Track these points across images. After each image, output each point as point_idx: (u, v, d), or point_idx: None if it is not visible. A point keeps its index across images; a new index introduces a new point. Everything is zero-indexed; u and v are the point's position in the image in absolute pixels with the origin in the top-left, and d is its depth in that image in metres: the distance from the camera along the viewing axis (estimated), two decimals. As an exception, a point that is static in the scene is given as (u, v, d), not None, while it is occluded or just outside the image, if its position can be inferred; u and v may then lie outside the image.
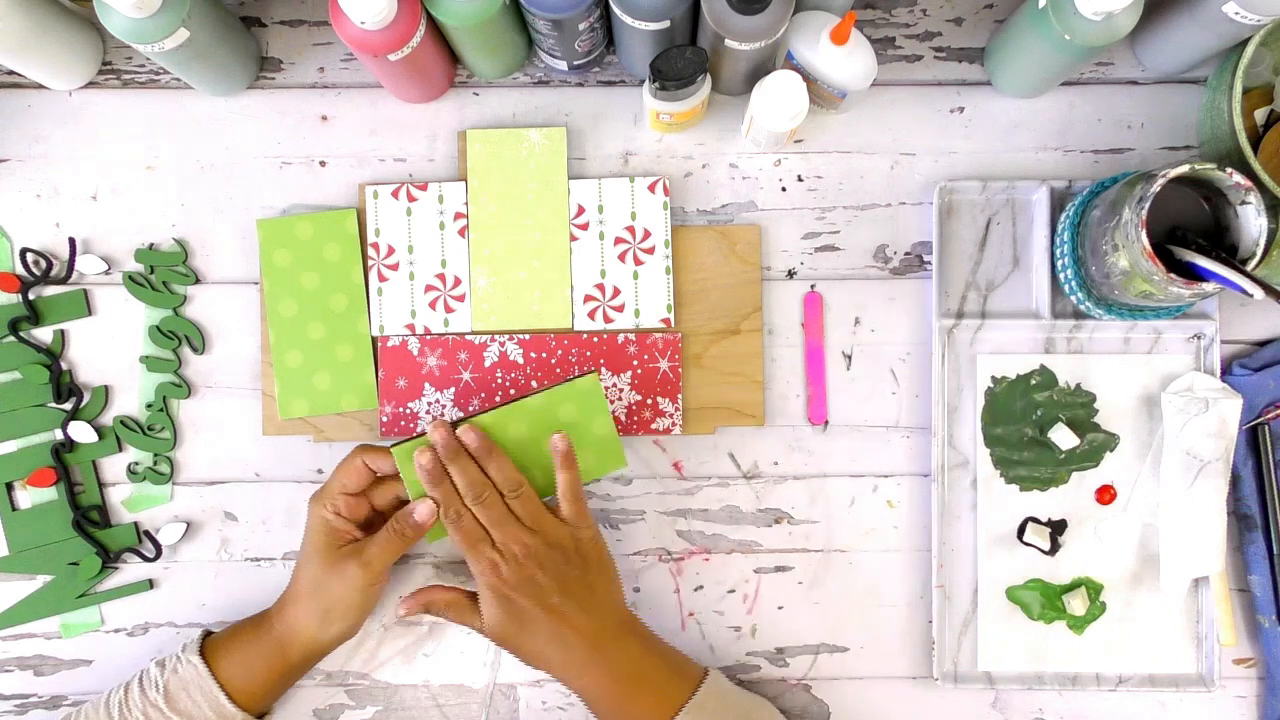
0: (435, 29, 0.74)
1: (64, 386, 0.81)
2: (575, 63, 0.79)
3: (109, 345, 0.82)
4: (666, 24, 0.71)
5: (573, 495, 0.73)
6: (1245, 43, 0.74)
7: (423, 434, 0.73)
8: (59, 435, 0.81)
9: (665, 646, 0.74)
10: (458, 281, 0.81)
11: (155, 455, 0.81)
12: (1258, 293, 0.68)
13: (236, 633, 0.75)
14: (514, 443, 0.73)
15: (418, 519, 0.72)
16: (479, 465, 0.72)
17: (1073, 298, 0.80)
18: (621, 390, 0.81)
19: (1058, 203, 0.81)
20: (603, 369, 0.80)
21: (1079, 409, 0.81)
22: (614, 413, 0.80)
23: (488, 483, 0.71)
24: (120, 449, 0.81)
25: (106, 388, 0.81)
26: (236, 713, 0.72)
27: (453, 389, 0.81)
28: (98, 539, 0.81)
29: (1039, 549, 0.80)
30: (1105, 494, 0.81)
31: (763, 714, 0.74)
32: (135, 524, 0.81)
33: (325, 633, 0.73)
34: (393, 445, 0.73)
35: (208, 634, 0.76)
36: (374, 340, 0.81)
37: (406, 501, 0.74)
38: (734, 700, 0.73)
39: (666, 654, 0.74)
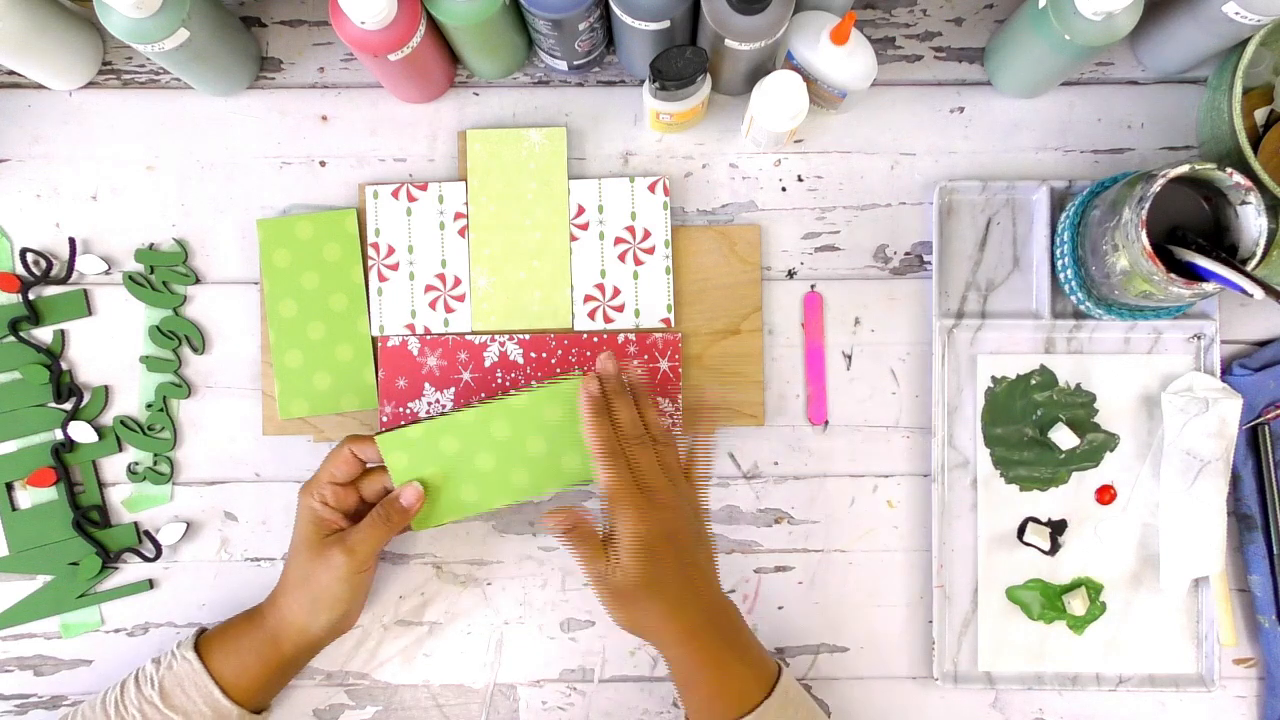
0: (435, 29, 0.74)
1: (64, 386, 0.81)
2: (575, 63, 0.79)
3: (109, 345, 0.82)
4: (666, 24, 0.71)
5: (705, 457, 0.71)
6: (1245, 43, 0.74)
7: (406, 424, 0.73)
8: (59, 435, 0.81)
9: (752, 633, 0.72)
10: (458, 281, 0.81)
11: (155, 455, 0.81)
12: (1258, 293, 0.68)
13: (230, 628, 0.75)
14: (497, 441, 0.73)
15: (404, 503, 0.73)
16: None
17: (1073, 298, 0.80)
18: (621, 390, 0.81)
19: (1058, 203, 0.81)
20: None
21: (1079, 409, 0.81)
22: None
23: (645, 428, 0.70)
24: (120, 449, 0.81)
25: (106, 388, 0.81)
26: (232, 708, 0.72)
27: (453, 389, 0.81)
28: (98, 539, 0.81)
29: (1039, 549, 0.80)
30: (1105, 494, 0.81)
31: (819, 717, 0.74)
32: (135, 524, 0.81)
33: (315, 623, 0.73)
34: (378, 434, 0.73)
35: (202, 630, 0.76)
36: (374, 340, 0.81)
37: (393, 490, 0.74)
38: (803, 698, 0.72)
39: (754, 640, 0.72)
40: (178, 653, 0.73)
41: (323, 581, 0.72)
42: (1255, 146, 0.78)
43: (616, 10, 0.71)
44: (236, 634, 0.74)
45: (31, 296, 0.81)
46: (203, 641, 0.74)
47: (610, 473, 0.68)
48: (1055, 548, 0.80)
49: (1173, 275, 0.69)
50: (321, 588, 0.72)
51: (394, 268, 0.81)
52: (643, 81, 0.78)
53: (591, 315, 0.81)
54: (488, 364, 0.81)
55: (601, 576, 0.68)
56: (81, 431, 0.80)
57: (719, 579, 0.71)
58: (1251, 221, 0.71)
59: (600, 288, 0.81)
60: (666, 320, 0.81)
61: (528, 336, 0.81)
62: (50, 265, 0.81)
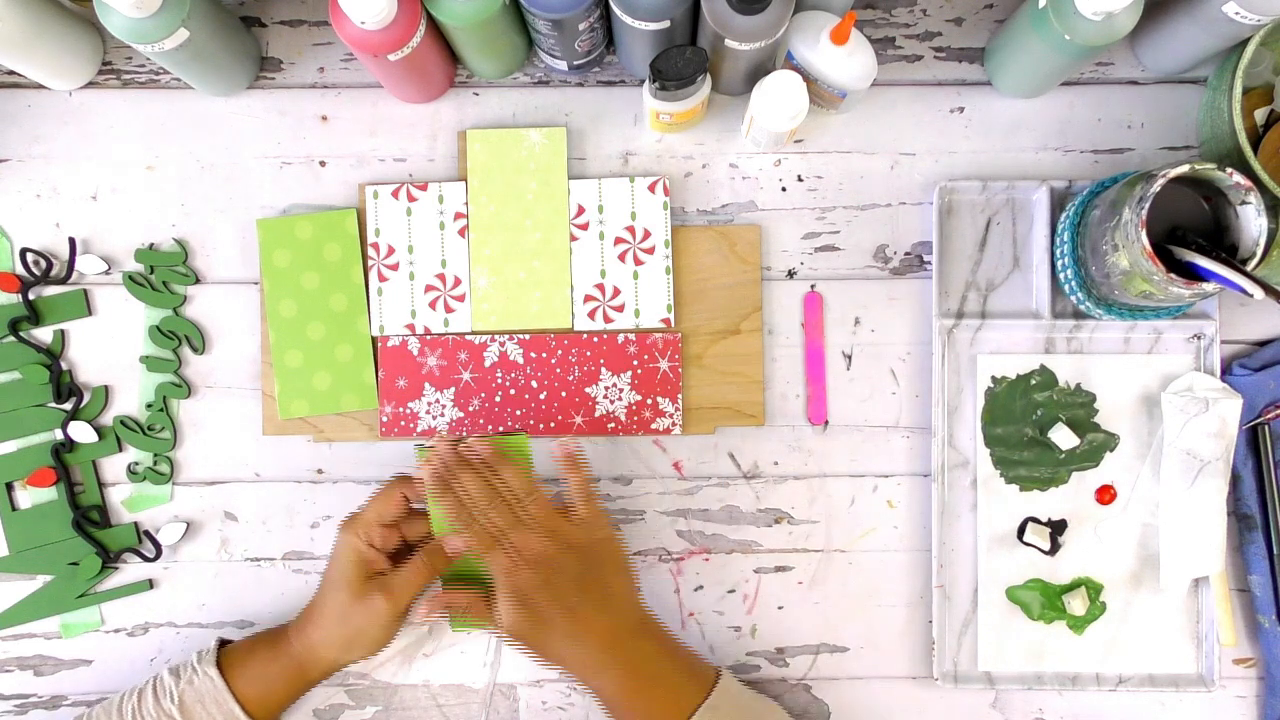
0: (435, 29, 0.74)
1: (64, 386, 0.81)
2: (575, 63, 0.79)
3: (109, 345, 0.82)
4: (666, 24, 0.71)
5: (584, 496, 0.72)
6: (1245, 43, 0.74)
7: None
8: (59, 435, 0.81)
9: (680, 646, 0.73)
10: (458, 281, 0.81)
11: (155, 455, 0.81)
12: (1258, 293, 0.68)
13: (254, 649, 0.74)
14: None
15: (448, 550, 0.73)
16: (491, 474, 0.72)
17: (1073, 298, 0.80)
18: (621, 390, 0.81)
19: (1058, 203, 0.81)
20: (603, 368, 0.80)
21: (1079, 409, 0.81)
22: (613, 412, 0.80)
23: (497, 490, 0.71)
24: (120, 449, 0.81)
25: (106, 388, 0.81)
26: None
27: (453, 389, 0.81)
28: (98, 539, 0.80)
29: (1039, 549, 0.80)
30: (1105, 494, 0.81)
31: (773, 717, 0.74)
32: (135, 524, 0.81)
33: (346, 658, 0.73)
34: (429, 486, 0.73)
35: (222, 643, 0.75)
36: (374, 340, 0.81)
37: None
38: (746, 702, 0.73)
39: (681, 654, 0.73)
40: (199, 668, 0.73)
41: (360, 624, 0.72)
42: (1255, 146, 0.78)
43: (616, 10, 0.71)
44: (262, 657, 0.73)
45: (31, 296, 0.81)
46: (223, 657, 0.73)
47: (471, 539, 0.70)
48: (1055, 548, 0.80)
49: (1173, 275, 0.69)
50: (358, 630, 0.72)
51: (394, 268, 0.81)
52: (643, 81, 0.78)
53: (591, 315, 0.81)
54: (488, 364, 0.81)
55: (498, 628, 0.71)
56: (81, 431, 0.80)
57: (635, 604, 0.72)
58: (1251, 221, 0.71)
59: (600, 288, 0.81)
60: (666, 320, 0.81)
61: (528, 336, 0.81)
62: (50, 265, 0.81)
